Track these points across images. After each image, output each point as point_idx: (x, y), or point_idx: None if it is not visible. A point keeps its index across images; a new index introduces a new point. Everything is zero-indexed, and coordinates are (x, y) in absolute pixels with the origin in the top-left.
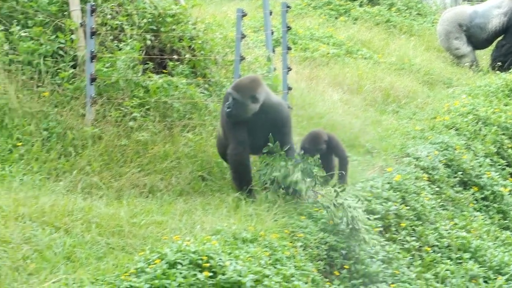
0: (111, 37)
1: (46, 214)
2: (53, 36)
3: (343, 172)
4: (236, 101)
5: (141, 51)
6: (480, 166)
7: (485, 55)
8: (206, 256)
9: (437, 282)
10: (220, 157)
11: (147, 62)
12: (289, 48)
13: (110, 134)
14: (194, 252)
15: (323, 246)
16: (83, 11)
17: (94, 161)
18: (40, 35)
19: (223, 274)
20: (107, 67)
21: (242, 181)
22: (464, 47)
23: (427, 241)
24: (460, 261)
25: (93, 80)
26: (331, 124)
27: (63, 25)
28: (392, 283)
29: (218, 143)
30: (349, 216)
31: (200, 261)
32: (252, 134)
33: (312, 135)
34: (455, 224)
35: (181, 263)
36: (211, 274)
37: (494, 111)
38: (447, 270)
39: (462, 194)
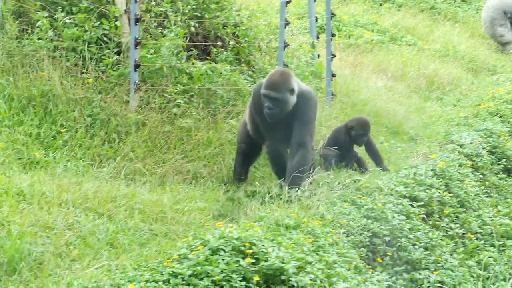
0: (155, 24)
1: (90, 200)
2: (98, 23)
3: (377, 159)
4: (276, 100)
5: (185, 38)
6: None
7: None
8: (249, 242)
9: (480, 269)
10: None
11: (191, 48)
12: (333, 35)
13: (154, 120)
14: (237, 239)
15: (366, 233)
16: None
17: (138, 147)
18: (84, 21)
19: (266, 261)
20: (151, 54)
21: (279, 173)
22: (508, 34)
23: (470, 228)
24: (503, 248)
25: (137, 66)
26: (375, 111)
27: (107, 11)
28: (435, 270)
29: (241, 132)
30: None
31: (242, 248)
32: (288, 127)
33: (362, 120)
34: (499, 211)
35: (223, 250)
36: (253, 260)
37: None
38: (490, 257)
39: (506, 181)
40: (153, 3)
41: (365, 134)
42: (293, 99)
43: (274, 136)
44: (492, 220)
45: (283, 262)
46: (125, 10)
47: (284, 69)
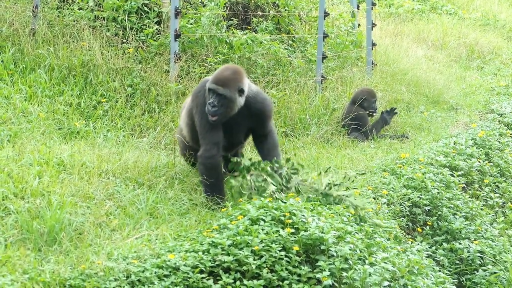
0: None
1: (130, 170)
2: None
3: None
4: (223, 97)
5: (225, 7)
6: None
7: None
8: (289, 212)
9: None
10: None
11: (231, 18)
12: (373, 4)
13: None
14: (276, 209)
15: (406, 202)
16: None
17: (178, 117)
18: None
19: (305, 231)
20: (191, 24)
21: (214, 188)
22: None
23: (511, 198)
24: None
25: (177, 36)
26: (415, 80)
27: None
28: (475, 240)
29: (181, 145)
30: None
31: (282, 218)
32: (230, 131)
33: (368, 89)
34: None
35: (263, 220)
36: (293, 230)
37: None
38: None
39: None
40: None
41: (373, 101)
42: (241, 101)
43: (211, 140)
44: None
45: (322, 232)
46: None
47: (236, 66)
